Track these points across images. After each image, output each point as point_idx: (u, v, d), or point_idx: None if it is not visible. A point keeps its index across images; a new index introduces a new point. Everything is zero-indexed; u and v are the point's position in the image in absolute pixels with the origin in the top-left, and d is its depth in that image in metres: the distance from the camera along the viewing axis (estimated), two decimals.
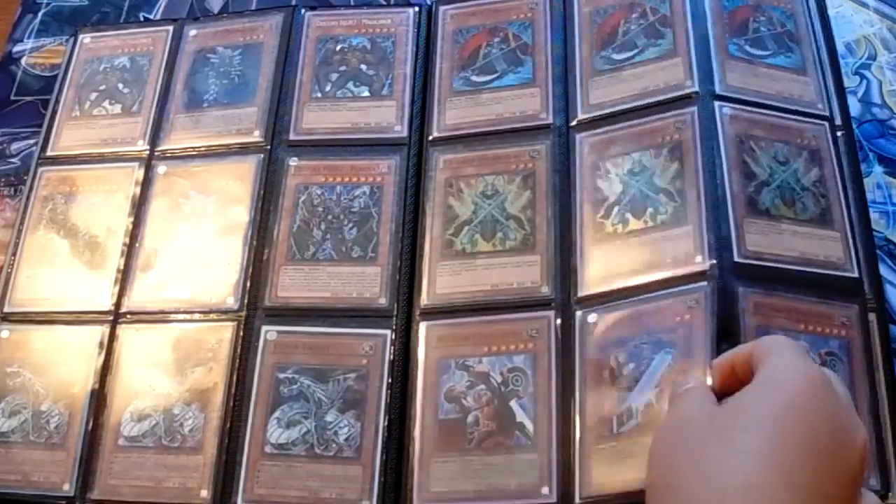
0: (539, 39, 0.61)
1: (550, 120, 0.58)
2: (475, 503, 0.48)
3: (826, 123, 0.56)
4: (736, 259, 0.49)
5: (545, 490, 0.48)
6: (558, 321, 0.52)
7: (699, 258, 0.50)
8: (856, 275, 0.51)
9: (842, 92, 0.58)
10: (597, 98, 0.58)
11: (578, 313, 0.52)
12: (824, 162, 0.54)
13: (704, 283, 0.49)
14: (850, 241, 0.52)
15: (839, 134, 0.56)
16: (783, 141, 0.54)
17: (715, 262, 0.49)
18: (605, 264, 0.52)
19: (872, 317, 0.51)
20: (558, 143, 0.57)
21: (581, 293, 0.52)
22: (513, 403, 0.50)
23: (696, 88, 0.55)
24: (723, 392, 0.39)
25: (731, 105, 0.55)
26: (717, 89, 0.55)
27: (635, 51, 0.59)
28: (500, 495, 0.48)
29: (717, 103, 0.55)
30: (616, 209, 0.53)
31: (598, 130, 0.57)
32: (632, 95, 0.57)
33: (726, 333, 0.47)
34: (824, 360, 0.48)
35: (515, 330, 0.52)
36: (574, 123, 0.58)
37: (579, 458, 0.48)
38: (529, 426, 0.49)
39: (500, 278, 0.54)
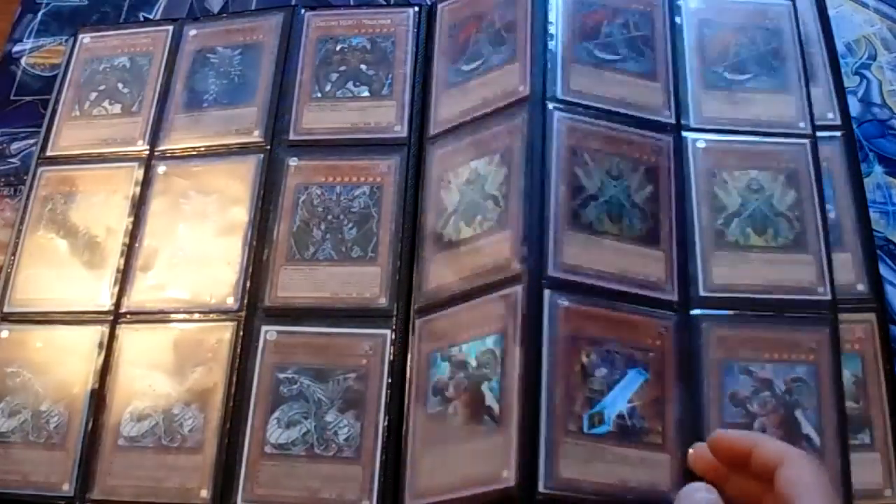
0: (520, 14, 0.60)
1: (528, 93, 0.56)
2: (452, 494, 0.47)
3: (807, 141, 0.56)
4: (702, 293, 0.52)
5: (505, 473, 0.46)
6: (525, 299, 0.50)
7: (669, 286, 0.51)
8: (828, 297, 0.51)
9: (842, 96, 0.58)
10: (577, 85, 0.57)
11: (547, 292, 0.50)
12: (801, 183, 0.55)
13: (672, 313, 0.51)
14: (825, 262, 0.52)
15: (840, 134, 0.56)
16: (758, 167, 0.55)
17: (680, 295, 0.51)
18: (576, 253, 0.51)
19: (871, 316, 0.51)
20: (533, 116, 0.55)
21: (551, 273, 0.51)
22: (483, 387, 0.49)
23: (672, 120, 0.57)
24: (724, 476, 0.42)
25: (705, 138, 0.56)
26: (692, 122, 0.57)
27: (618, 57, 0.59)
28: (468, 483, 0.47)
29: (690, 136, 0.56)
30: (592, 204, 0.53)
31: (579, 119, 0.56)
32: (613, 100, 0.57)
33: (689, 368, 0.50)
34: (790, 387, 0.49)
35: (490, 312, 0.51)
36: (552, 105, 0.56)
37: (544, 446, 0.46)
38: (496, 408, 0.48)
39: (475, 262, 0.53)
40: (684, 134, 0.56)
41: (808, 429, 0.48)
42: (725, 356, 0.50)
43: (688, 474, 0.46)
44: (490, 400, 0.48)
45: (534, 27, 0.59)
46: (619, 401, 0.48)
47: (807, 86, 0.58)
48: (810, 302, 0.51)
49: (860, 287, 0.52)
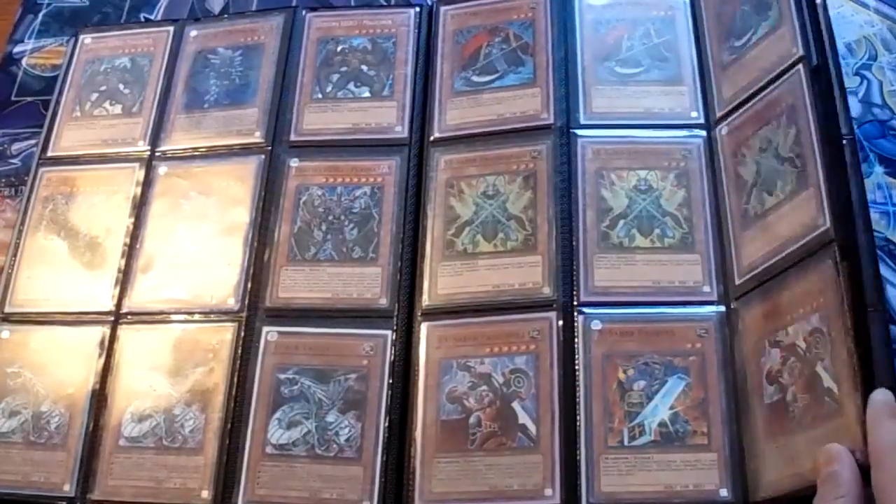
0: (540, 39, 0.61)
1: (551, 120, 0.58)
2: (478, 503, 0.48)
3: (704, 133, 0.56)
4: (737, 282, 0.51)
5: (548, 491, 0.48)
6: (560, 323, 0.52)
7: (707, 288, 0.52)
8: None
9: (842, 90, 0.58)
10: (599, 106, 0.58)
11: (580, 317, 0.52)
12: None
13: (712, 312, 0.51)
14: None
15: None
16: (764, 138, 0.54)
17: (721, 291, 0.51)
18: (608, 273, 0.53)
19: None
20: (559, 143, 0.57)
21: (584, 297, 0.52)
22: (515, 404, 0.50)
23: (701, 120, 0.57)
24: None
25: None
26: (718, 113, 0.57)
27: (640, 69, 0.59)
28: (503, 496, 0.48)
29: (716, 133, 0.56)
30: (622, 223, 0.54)
31: (602, 138, 0.57)
32: (637, 113, 0.58)
33: (733, 362, 0.49)
34: (809, 342, 0.47)
35: (517, 331, 0.52)
36: (575, 131, 0.58)
37: (585, 463, 0.48)
38: (532, 427, 0.49)
39: (501, 279, 0.54)
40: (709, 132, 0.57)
41: (829, 383, 0.47)
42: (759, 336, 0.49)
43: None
44: (524, 419, 0.50)
45: (554, 52, 0.60)
46: (660, 409, 0.49)
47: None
48: None
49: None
